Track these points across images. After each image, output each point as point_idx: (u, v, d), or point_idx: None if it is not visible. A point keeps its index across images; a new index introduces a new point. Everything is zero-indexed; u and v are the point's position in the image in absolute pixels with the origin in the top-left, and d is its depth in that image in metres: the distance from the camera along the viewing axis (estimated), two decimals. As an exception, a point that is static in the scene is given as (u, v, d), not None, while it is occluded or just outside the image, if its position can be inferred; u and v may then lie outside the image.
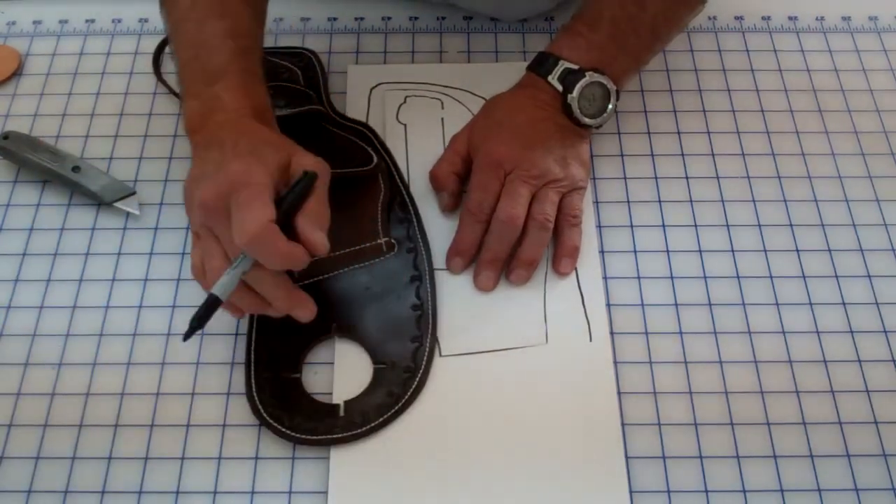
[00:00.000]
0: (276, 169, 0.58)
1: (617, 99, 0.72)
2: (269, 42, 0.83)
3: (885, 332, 0.67)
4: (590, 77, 0.70)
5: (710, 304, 0.68)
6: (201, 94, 0.63)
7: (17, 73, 0.81)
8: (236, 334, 0.66)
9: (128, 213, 0.72)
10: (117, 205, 0.72)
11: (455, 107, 0.78)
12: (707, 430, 0.62)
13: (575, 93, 0.70)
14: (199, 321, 0.57)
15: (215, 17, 0.65)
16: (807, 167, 0.75)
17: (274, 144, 0.60)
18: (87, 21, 0.86)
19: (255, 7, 0.69)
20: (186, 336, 0.57)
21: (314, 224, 0.57)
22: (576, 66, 0.70)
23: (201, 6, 0.66)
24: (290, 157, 0.59)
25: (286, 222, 0.56)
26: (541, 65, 0.72)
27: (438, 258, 0.69)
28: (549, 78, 0.71)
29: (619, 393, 0.64)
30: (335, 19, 0.85)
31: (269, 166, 0.57)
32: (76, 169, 0.73)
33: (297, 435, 0.61)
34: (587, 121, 0.71)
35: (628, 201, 0.73)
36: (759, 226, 0.72)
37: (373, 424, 0.61)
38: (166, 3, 0.69)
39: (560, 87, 0.71)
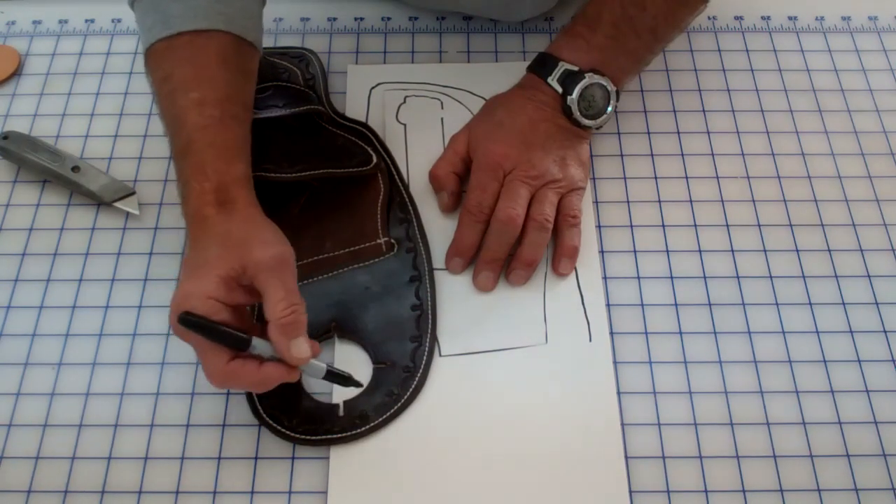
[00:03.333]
0: (221, 284, 0.55)
1: (617, 100, 0.72)
2: (268, 42, 0.83)
3: (884, 332, 0.67)
4: (589, 78, 0.70)
5: (709, 304, 0.68)
6: (178, 177, 0.61)
7: (16, 73, 0.81)
8: (236, 334, 0.66)
9: (127, 213, 0.72)
10: (117, 204, 0.72)
11: (455, 107, 0.78)
12: (707, 430, 0.62)
13: (574, 94, 0.70)
14: (346, 382, 0.61)
15: (184, 90, 0.62)
16: (807, 167, 0.75)
17: (226, 248, 0.57)
18: (86, 21, 0.86)
19: (237, 68, 0.64)
20: (358, 384, 0.61)
21: (284, 335, 0.56)
22: (576, 68, 0.70)
23: (175, 77, 0.62)
24: (242, 262, 0.56)
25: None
26: (540, 66, 0.72)
27: (438, 258, 0.69)
28: (549, 79, 0.71)
29: (619, 393, 0.64)
30: (335, 19, 0.85)
31: (213, 285, 0.55)
32: (76, 169, 0.73)
33: (297, 435, 0.61)
34: (587, 122, 0.71)
35: (628, 201, 0.73)
36: (759, 226, 0.72)
37: (372, 424, 0.61)
38: (149, 72, 0.65)
39: (560, 89, 0.71)
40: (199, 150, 0.60)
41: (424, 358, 0.64)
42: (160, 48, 0.63)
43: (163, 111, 0.63)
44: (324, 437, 0.61)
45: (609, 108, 0.72)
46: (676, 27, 0.73)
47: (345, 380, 0.60)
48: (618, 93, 0.72)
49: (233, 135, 0.62)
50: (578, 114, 0.71)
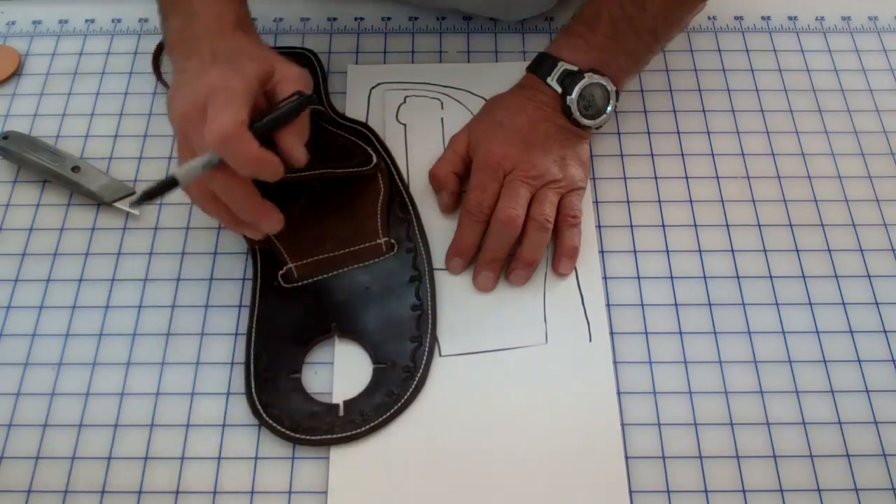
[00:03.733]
0: (254, 79, 0.58)
1: (616, 100, 0.72)
2: (268, 42, 0.83)
3: (884, 332, 0.67)
4: (589, 78, 0.70)
5: (709, 305, 0.68)
6: (180, 11, 0.63)
7: (16, 73, 0.81)
8: (236, 334, 0.66)
9: (127, 213, 0.72)
10: (117, 204, 0.72)
11: (455, 107, 0.78)
12: (707, 430, 0.62)
13: (574, 94, 0.70)
14: (148, 195, 0.56)
15: None
16: (807, 167, 0.75)
17: (253, 54, 0.60)
18: (86, 21, 0.86)
19: None
20: (134, 203, 0.57)
21: (295, 137, 0.58)
22: (575, 68, 0.70)
23: None
24: (271, 67, 0.59)
25: (268, 136, 0.56)
26: (540, 66, 0.72)
27: (438, 258, 0.69)
28: (549, 79, 0.71)
29: (619, 393, 0.64)
30: (335, 19, 0.85)
31: (248, 76, 0.57)
32: (76, 169, 0.72)
33: (297, 435, 0.61)
34: (586, 122, 0.71)
35: (628, 201, 0.73)
36: (759, 226, 0.72)
37: (372, 424, 0.61)
38: None
39: (559, 89, 0.71)
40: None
41: (424, 358, 0.64)
42: None
43: None
44: (324, 437, 0.61)
45: (609, 108, 0.72)
46: (676, 26, 0.73)
47: (150, 194, 0.56)
48: (617, 92, 0.72)
49: None
50: (578, 114, 0.71)
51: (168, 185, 0.56)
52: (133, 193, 0.73)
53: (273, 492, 0.60)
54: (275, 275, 0.67)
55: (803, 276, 0.69)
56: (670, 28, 0.73)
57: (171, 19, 0.64)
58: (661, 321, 0.67)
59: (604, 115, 0.72)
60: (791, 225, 0.72)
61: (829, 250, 0.71)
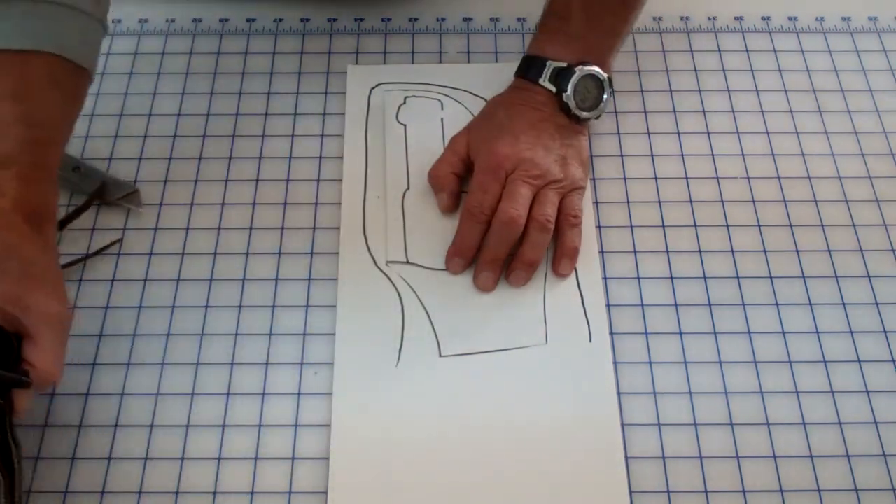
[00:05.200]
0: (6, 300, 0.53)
1: (611, 86, 0.72)
2: (269, 42, 0.83)
3: (884, 332, 0.67)
4: (580, 71, 0.70)
5: (709, 305, 0.68)
6: None
7: (17, 73, 0.81)
8: (236, 334, 0.66)
9: (128, 213, 0.72)
10: (121, 202, 0.72)
11: (455, 107, 0.78)
12: (707, 431, 0.62)
13: (569, 90, 0.70)
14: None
15: (10, 100, 0.58)
16: (807, 167, 0.75)
17: (25, 274, 0.55)
18: (87, 21, 0.85)
19: (65, 91, 0.61)
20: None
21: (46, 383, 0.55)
22: (564, 64, 0.71)
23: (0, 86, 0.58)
24: (28, 299, 0.54)
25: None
26: (529, 69, 0.72)
27: (438, 261, 0.69)
28: (541, 80, 0.71)
29: (619, 393, 0.63)
30: (335, 20, 0.85)
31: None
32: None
33: None
34: (586, 115, 0.71)
35: (628, 201, 0.73)
36: (759, 226, 0.72)
37: None
38: None
39: (553, 88, 0.71)
40: (23, 165, 0.56)
41: None
42: None
43: None
44: None
45: (605, 96, 0.72)
46: None
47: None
48: (610, 79, 0.72)
49: (56, 163, 0.60)
50: (577, 108, 0.71)
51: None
52: (136, 191, 0.72)
53: (273, 492, 0.60)
54: None
55: (803, 277, 0.69)
56: None
57: None
58: (661, 321, 0.67)
59: (601, 105, 0.72)
60: (791, 225, 0.72)
61: (829, 250, 0.71)
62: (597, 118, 0.73)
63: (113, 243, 0.70)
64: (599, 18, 0.72)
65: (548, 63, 0.71)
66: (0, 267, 0.54)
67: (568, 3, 0.72)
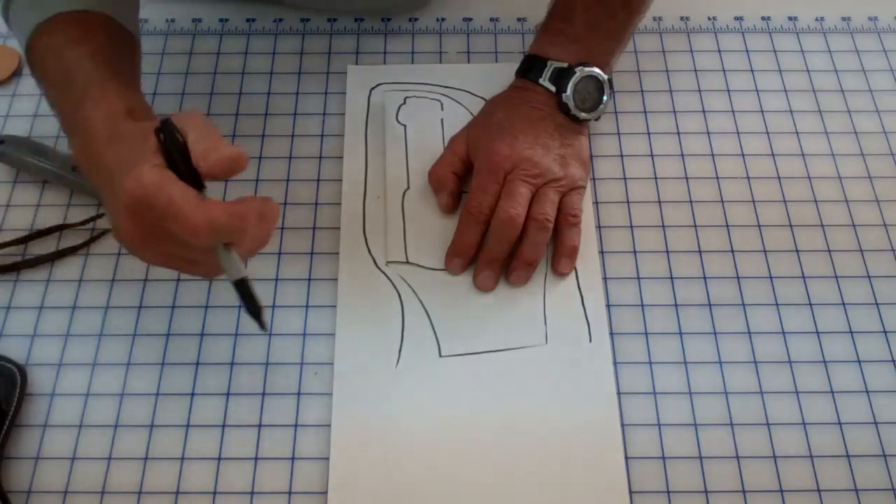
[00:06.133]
0: (154, 153, 0.51)
1: (611, 88, 0.72)
2: (269, 42, 0.83)
3: (884, 332, 0.67)
4: (580, 72, 0.70)
5: (709, 305, 0.68)
6: (75, 128, 0.57)
7: (16, 73, 0.81)
8: (236, 334, 0.66)
9: (128, 214, 0.72)
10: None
11: (455, 107, 0.78)
12: (707, 431, 0.62)
13: (569, 91, 0.70)
14: (255, 309, 0.55)
15: (73, 44, 0.60)
16: (807, 167, 0.75)
17: (139, 136, 0.53)
18: (87, 21, 0.85)
19: (120, 38, 0.64)
20: (263, 325, 0.55)
21: (208, 148, 0.52)
22: (564, 64, 0.71)
23: (58, 40, 0.61)
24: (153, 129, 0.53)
25: (190, 174, 0.51)
26: (530, 69, 0.73)
27: (438, 261, 0.69)
28: (541, 80, 0.71)
29: (619, 393, 0.64)
30: (335, 20, 0.85)
31: (149, 154, 0.51)
32: (76, 168, 0.72)
33: None
34: (585, 115, 0.72)
35: (628, 201, 0.73)
36: (759, 226, 0.72)
37: None
38: (33, 66, 0.63)
39: (553, 88, 0.71)
40: (98, 85, 0.57)
41: None
42: (39, 34, 0.61)
43: (49, 71, 0.60)
44: None
45: (605, 98, 0.72)
46: None
47: (253, 306, 0.55)
48: (610, 81, 0.72)
49: (133, 77, 0.62)
50: (576, 109, 0.71)
51: (245, 286, 0.55)
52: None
53: (273, 492, 0.60)
54: None
55: (803, 277, 0.69)
56: (643, 0, 0.74)
57: (73, 138, 0.58)
58: (661, 321, 0.67)
59: (601, 107, 0.72)
60: (791, 225, 0.72)
61: (829, 250, 0.71)
62: (596, 119, 0.73)
63: (102, 233, 0.71)
64: (602, 21, 0.72)
65: (548, 63, 0.71)
66: (136, 152, 0.52)
67: (572, 5, 0.72)
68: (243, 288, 0.55)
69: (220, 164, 0.51)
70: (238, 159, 0.52)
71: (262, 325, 0.56)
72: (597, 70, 0.71)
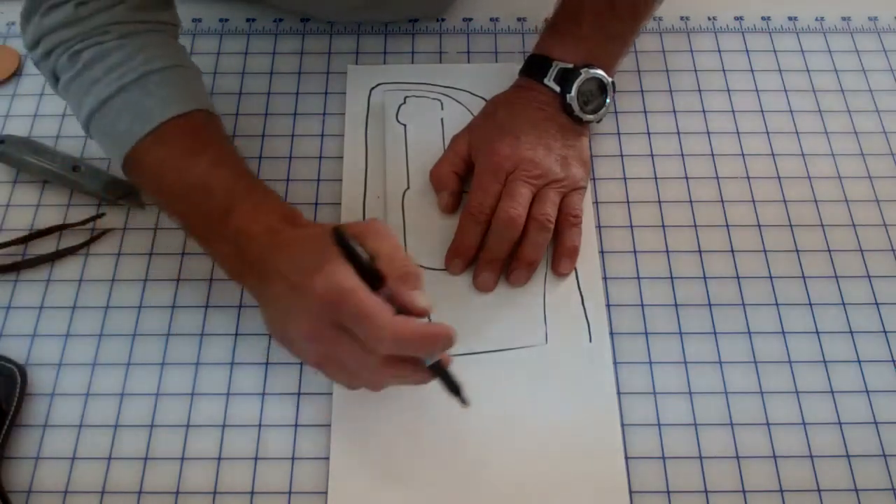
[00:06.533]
0: (338, 257, 0.54)
1: (614, 90, 0.72)
2: (269, 42, 0.83)
3: (884, 332, 0.67)
4: (585, 74, 0.70)
5: (709, 305, 0.68)
6: (224, 235, 0.59)
7: (16, 73, 0.81)
8: (236, 334, 0.66)
9: (128, 213, 0.72)
10: (122, 202, 0.72)
11: (455, 107, 0.78)
12: (707, 431, 0.62)
13: (573, 91, 0.70)
14: (454, 387, 0.56)
15: (192, 155, 0.62)
16: (807, 167, 0.75)
17: (317, 240, 0.56)
18: (87, 21, 0.85)
19: (223, 132, 0.65)
20: (465, 401, 0.56)
21: (406, 284, 0.55)
22: (570, 65, 0.71)
23: (173, 152, 0.62)
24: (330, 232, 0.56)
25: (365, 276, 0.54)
26: (534, 68, 0.73)
27: (438, 260, 0.69)
28: (546, 80, 0.71)
29: (619, 393, 0.64)
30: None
31: (335, 258, 0.54)
32: (76, 168, 0.72)
33: None
34: (588, 117, 0.72)
35: (628, 201, 0.73)
36: (759, 226, 0.72)
37: None
38: (137, 173, 0.64)
39: (557, 88, 0.71)
40: (242, 197, 0.60)
41: None
42: (145, 145, 0.61)
43: (172, 187, 0.61)
44: None
45: (607, 100, 0.72)
46: (655, 2, 0.75)
47: (452, 385, 0.56)
48: (613, 83, 0.72)
49: (258, 179, 0.63)
50: (579, 110, 0.71)
51: (441, 370, 0.56)
52: (133, 193, 0.72)
53: (273, 492, 0.60)
54: None
55: (803, 277, 0.69)
56: (649, 3, 0.74)
57: (218, 246, 0.61)
58: (661, 321, 0.67)
59: (603, 108, 0.72)
60: (791, 225, 0.72)
61: (829, 250, 0.71)
62: (598, 121, 0.73)
63: (102, 233, 0.71)
64: (609, 24, 0.72)
65: (553, 63, 0.71)
66: (319, 253, 0.54)
67: (580, 7, 0.72)
68: (438, 371, 0.56)
69: (405, 274, 0.55)
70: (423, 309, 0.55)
71: (463, 401, 0.56)
72: (601, 72, 0.71)
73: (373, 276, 0.53)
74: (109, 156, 0.64)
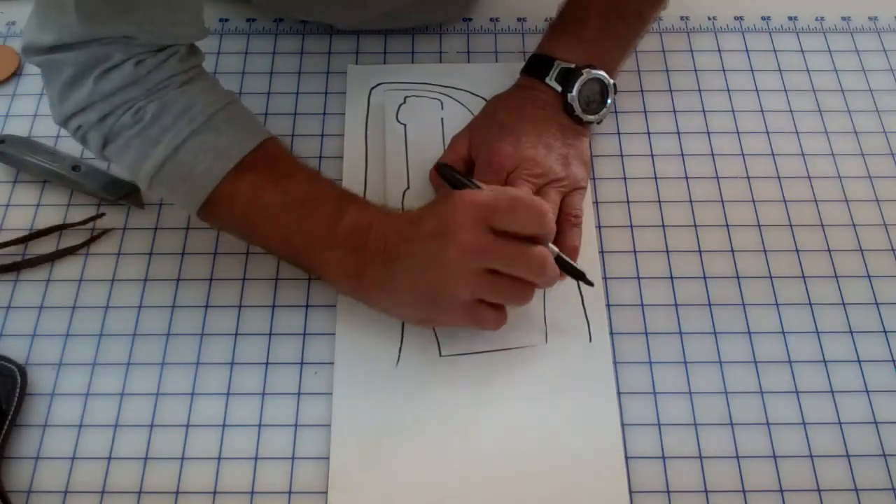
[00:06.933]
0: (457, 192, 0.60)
1: (615, 92, 0.72)
2: (269, 42, 0.83)
3: (884, 332, 0.67)
4: (586, 74, 0.70)
5: (709, 305, 0.68)
6: (335, 241, 0.62)
7: (16, 73, 0.81)
8: (236, 334, 0.66)
9: (128, 213, 0.72)
10: (122, 201, 0.72)
11: (455, 107, 0.78)
12: (707, 431, 0.62)
13: (574, 91, 0.70)
14: (578, 273, 0.63)
15: (285, 178, 0.64)
16: (807, 167, 0.75)
17: (431, 204, 0.61)
18: (87, 21, 0.85)
19: (280, 141, 0.67)
20: (590, 282, 0.64)
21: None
22: (572, 65, 0.71)
23: (263, 177, 0.63)
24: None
25: None
26: (536, 67, 0.73)
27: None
28: (547, 79, 0.71)
29: (619, 393, 0.64)
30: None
31: (456, 194, 0.59)
32: (76, 168, 0.72)
33: None
34: (589, 117, 0.72)
35: (628, 201, 0.73)
36: (759, 226, 0.72)
37: None
38: (219, 214, 0.65)
39: (559, 88, 0.71)
40: (349, 201, 0.63)
41: None
42: (230, 180, 0.62)
43: (271, 212, 0.63)
44: None
45: (608, 101, 0.72)
46: (659, 5, 0.75)
47: (575, 272, 0.63)
48: (615, 85, 0.72)
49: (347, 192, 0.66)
50: (580, 111, 0.71)
51: (563, 261, 0.62)
52: (138, 190, 0.72)
53: (273, 492, 0.60)
54: None
55: (803, 276, 0.69)
56: (655, 8, 0.75)
57: (327, 254, 0.63)
58: (661, 321, 0.67)
59: (604, 109, 0.72)
60: (791, 225, 0.72)
61: (829, 250, 0.71)
62: (598, 123, 0.73)
63: (102, 233, 0.71)
64: (614, 27, 0.72)
65: (555, 63, 0.71)
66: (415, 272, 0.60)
67: (586, 9, 0.72)
68: (561, 261, 0.62)
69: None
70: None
71: (588, 282, 0.64)
72: (603, 73, 0.71)
73: None
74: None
